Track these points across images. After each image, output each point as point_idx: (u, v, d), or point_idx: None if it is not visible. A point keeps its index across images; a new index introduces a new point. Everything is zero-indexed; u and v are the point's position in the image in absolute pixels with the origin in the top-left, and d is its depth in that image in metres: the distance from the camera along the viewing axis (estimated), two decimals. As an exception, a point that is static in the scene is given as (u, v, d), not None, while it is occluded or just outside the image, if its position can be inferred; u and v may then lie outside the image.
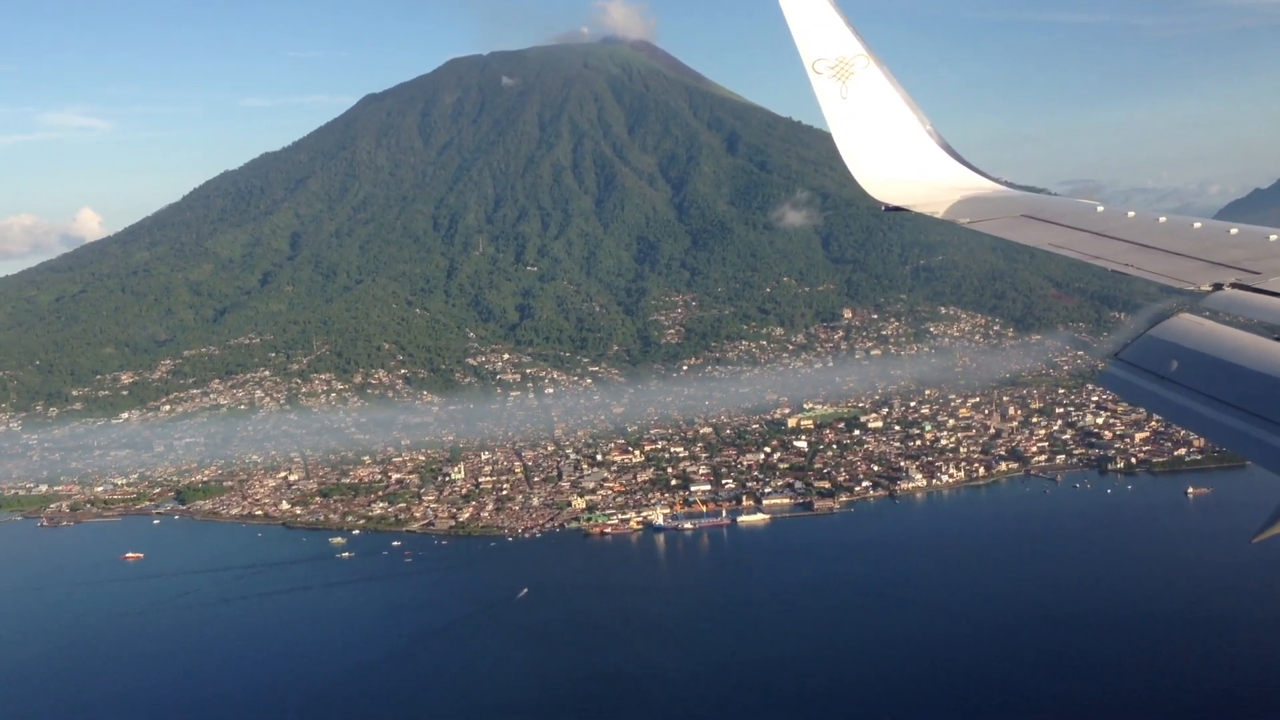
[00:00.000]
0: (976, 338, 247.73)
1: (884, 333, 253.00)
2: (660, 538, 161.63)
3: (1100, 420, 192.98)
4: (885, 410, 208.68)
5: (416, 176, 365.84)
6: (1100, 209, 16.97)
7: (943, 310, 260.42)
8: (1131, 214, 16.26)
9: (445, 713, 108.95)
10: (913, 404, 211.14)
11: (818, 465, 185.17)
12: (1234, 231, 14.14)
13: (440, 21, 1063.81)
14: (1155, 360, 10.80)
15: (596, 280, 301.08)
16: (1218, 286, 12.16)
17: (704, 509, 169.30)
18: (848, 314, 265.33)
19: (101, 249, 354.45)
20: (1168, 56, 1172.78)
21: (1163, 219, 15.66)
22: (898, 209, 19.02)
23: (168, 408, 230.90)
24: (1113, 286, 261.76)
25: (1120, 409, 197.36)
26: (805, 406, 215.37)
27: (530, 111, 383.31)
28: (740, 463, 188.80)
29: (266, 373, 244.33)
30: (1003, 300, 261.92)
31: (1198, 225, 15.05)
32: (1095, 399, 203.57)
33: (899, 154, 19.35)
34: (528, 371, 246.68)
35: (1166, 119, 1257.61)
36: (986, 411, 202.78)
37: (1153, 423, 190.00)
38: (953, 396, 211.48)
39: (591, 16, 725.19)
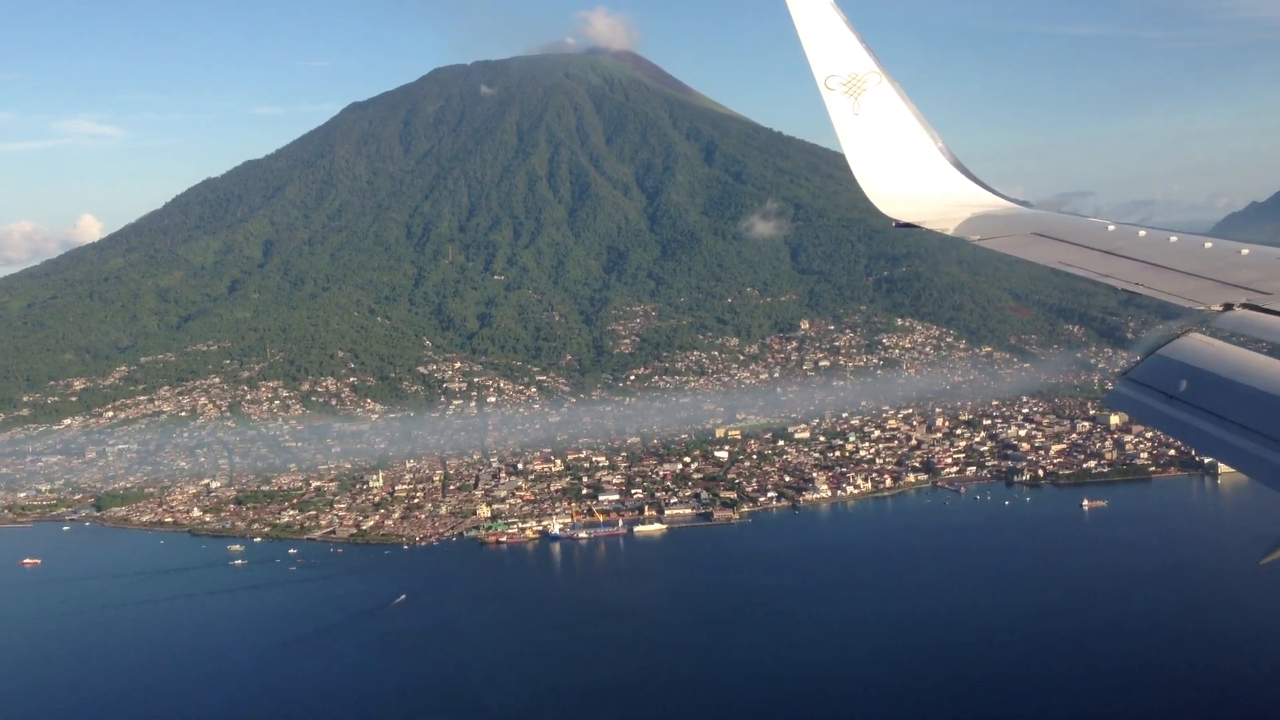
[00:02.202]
0: (927, 349, 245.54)
1: (836, 344, 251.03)
2: (555, 547, 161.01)
3: (1023, 433, 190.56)
4: (816, 421, 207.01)
5: (393, 185, 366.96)
6: (1111, 228, 16.85)
7: (899, 322, 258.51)
8: (1143, 233, 16.08)
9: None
10: (844, 415, 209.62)
11: (731, 476, 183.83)
12: (1245, 252, 13.97)
13: (427, 31, 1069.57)
14: (1165, 379, 10.69)
15: (563, 290, 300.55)
16: (1228, 306, 12.01)
17: (600, 519, 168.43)
18: (805, 325, 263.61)
19: (79, 256, 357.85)
20: (1177, 69, 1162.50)
21: (1174, 238, 15.49)
22: (909, 225, 19.01)
23: (111, 414, 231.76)
24: (1071, 300, 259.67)
25: (1046, 422, 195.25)
26: (738, 417, 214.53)
27: (509, 121, 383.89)
28: (657, 472, 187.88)
29: (216, 380, 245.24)
30: (960, 312, 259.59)
31: (1209, 245, 14.85)
32: (1024, 411, 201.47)
33: (910, 170, 19.42)
34: (475, 380, 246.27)
35: (1177, 132, 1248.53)
36: (915, 423, 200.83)
37: (1073, 435, 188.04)
38: (885, 408, 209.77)
39: (576, 27, 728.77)
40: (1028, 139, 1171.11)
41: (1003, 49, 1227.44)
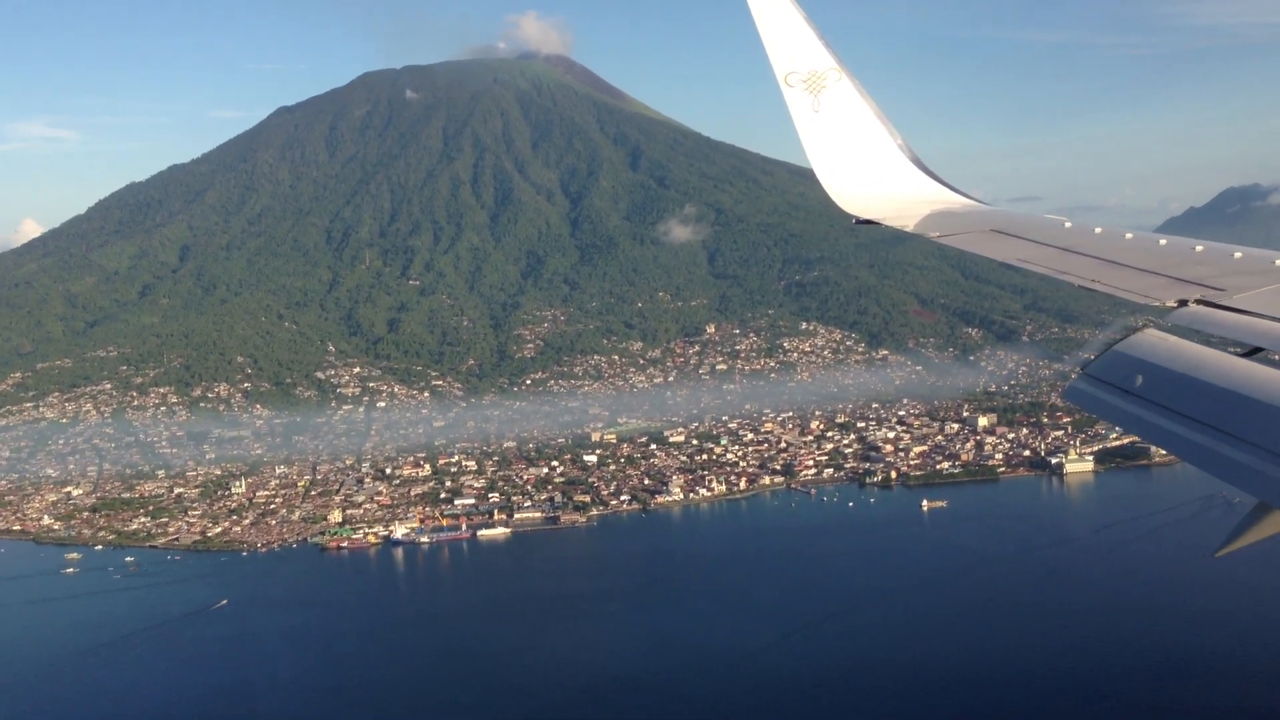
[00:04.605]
0: (826, 353, 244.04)
1: (738, 348, 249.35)
2: (398, 552, 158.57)
3: (891, 435, 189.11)
4: (695, 425, 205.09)
5: (316, 190, 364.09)
6: (1068, 224, 16.81)
7: (803, 326, 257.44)
8: (1099, 230, 16.07)
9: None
10: (724, 418, 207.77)
11: (591, 480, 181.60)
12: (1199, 249, 13.98)
13: (354, 35, 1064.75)
14: (1121, 375, 10.71)
15: (478, 295, 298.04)
16: (1183, 303, 12.07)
17: (445, 523, 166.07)
18: (710, 329, 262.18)
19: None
20: (1131, 75, 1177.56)
21: (1129, 235, 15.51)
22: (868, 222, 18.86)
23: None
24: (975, 304, 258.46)
25: (918, 424, 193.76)
26: (619, 421, 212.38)
27: (435, 126, 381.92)
28: (521, 476, 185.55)
29: (107, 385, 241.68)
30: (864, 316, 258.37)
31: (1163, 242, 14.98)
32: (901, 413, 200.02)
33: (870, 167, 19.43)
34: (369, 385, 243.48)
35: (1130, 137, 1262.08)
36: (789, 426, 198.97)
37: (939, 437, 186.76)
38: (767, 411, 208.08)
39: (508, 31, 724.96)
40: (982, 144, 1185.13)
41: (957, 54, 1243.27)
